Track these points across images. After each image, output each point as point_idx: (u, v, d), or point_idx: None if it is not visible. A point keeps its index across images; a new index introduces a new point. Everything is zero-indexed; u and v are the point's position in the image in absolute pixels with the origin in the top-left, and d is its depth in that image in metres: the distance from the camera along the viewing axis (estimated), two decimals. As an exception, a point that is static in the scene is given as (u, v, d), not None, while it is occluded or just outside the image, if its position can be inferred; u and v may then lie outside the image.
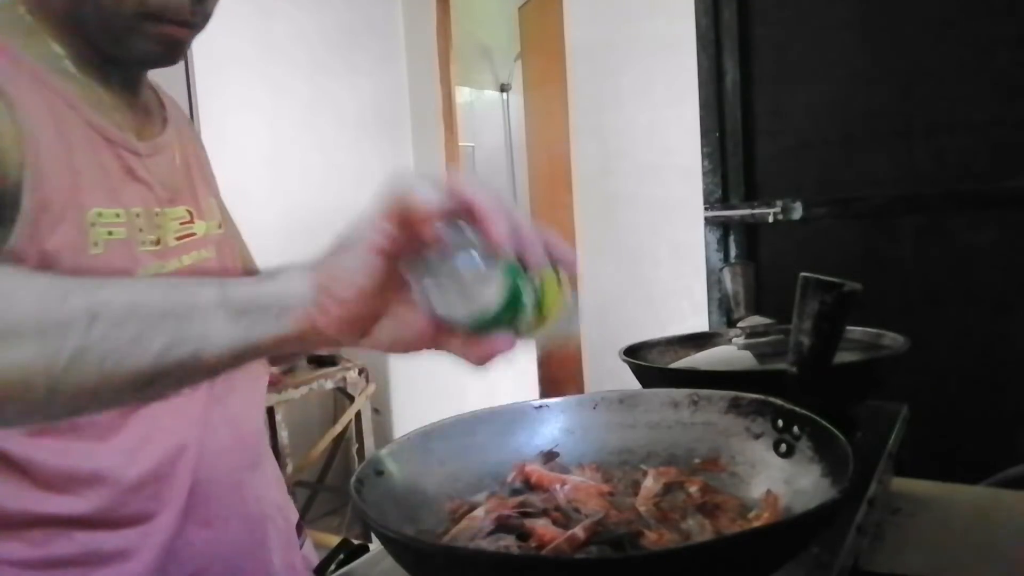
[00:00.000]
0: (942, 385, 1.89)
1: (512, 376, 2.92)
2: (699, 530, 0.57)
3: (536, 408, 0.74)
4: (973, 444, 1.87)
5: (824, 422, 0.60)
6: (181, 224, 0.77)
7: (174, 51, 0.72)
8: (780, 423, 0.65)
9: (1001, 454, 1.35)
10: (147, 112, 0.80)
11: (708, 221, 2.40)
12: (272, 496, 0.84)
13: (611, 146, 2.80)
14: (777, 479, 0.62)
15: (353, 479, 0.57)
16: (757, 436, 0.67)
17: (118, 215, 0.69)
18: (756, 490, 0.63)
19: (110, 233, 0.68)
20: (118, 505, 0.68)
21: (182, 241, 0.77)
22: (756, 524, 0.57)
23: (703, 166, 2.41)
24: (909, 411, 0.98)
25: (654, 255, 2.71)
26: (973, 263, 2.01)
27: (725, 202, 2.36)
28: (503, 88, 4.94)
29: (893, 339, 0.97)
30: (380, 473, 0.61)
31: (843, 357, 0.83)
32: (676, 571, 0.46)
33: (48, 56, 0.70)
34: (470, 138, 4.35)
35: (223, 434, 0.76)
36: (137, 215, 0.72)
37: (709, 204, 2.39)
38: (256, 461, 0.82)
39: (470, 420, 0.71)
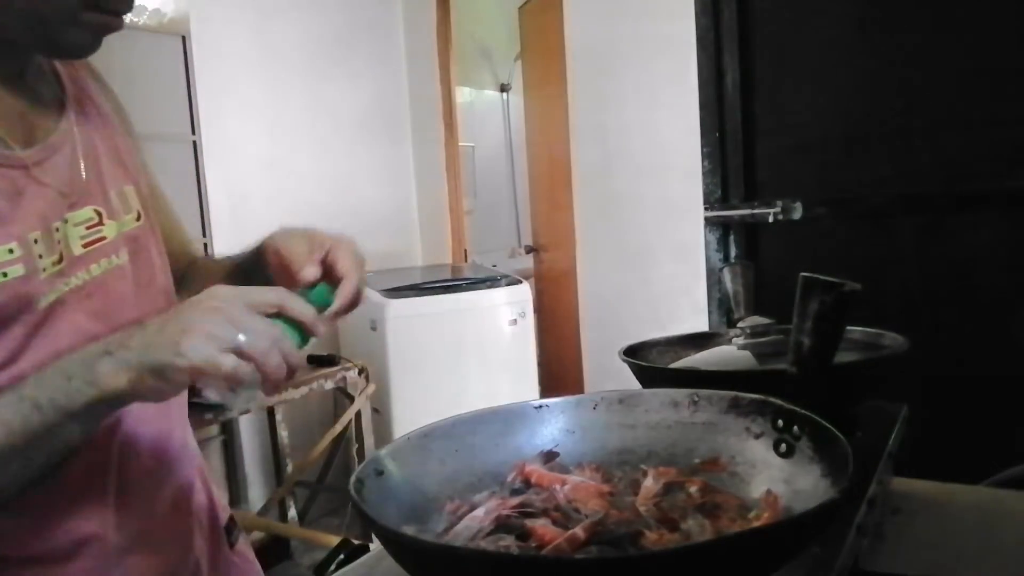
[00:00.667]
0: (942, 385, 1.89)
1: (512, 376, 2.92)
2: (699, 530, 0.57)
3: (536, 408, 0.74)
4: (973, 444, 1.87)
5: (824, 422, 0.60)
6: (88, 228, 0.71)
7: (100, 41, 0.68)
8: (780, 423, 0.65)
9: (1001, 454, 1.35)
10: (37, 102, 0.72)
11: (708, 221, 2.40)
12: (198, 500, 0.84)
13: (611, 146, 2.80)
14: (777, 479, 0.62)
15: (353, 479, 0.57)
16: (757, 436, 0.67)
17: (11, 251, 0.62)
18: (756, 490, 0.63)
19: (4, 275, 0.62)
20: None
21: (89, 248, 0.70)
22: (756, 524, 0.57)
23: (703, 166, 2.40)
24: (909, 411, 0.98)
25: (654, 255, 2.71)
26: (973, 263, 2.01)
27: (725, 202, 2.36)
28: (503, 88, 4.94)
29: (893, 339, 0.97)
30: (380, 473, 0.61)
31: (843, 357, 0.83)
32: (676, 571, 0.46)
33: None
34: (470, 138, 4.35)
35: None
36: (35, 240, 0.65)
37: (709, 204, 2.39)
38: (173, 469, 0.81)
39: (470, 420, 0.71)
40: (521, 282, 2.97)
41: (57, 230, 0.67)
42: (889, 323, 1.00)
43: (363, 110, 3.39)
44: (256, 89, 2.94)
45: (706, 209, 2.39)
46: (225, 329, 0.58)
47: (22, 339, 0.63)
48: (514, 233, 4.90)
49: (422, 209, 3.65)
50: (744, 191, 2.34)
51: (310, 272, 0.75)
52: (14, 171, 0.65)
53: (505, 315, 2.88)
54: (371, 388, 2.60)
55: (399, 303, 2.72)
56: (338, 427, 2.56)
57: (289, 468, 2.75)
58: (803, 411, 0.63)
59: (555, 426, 0.74)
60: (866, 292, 0.67)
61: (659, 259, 2.69)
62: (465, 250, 3.60)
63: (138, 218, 0.78)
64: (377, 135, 3.47)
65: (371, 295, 2.71)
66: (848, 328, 0.91)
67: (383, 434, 2.71)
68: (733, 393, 0.70)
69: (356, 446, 2.63)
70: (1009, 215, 1.96)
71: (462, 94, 4.24)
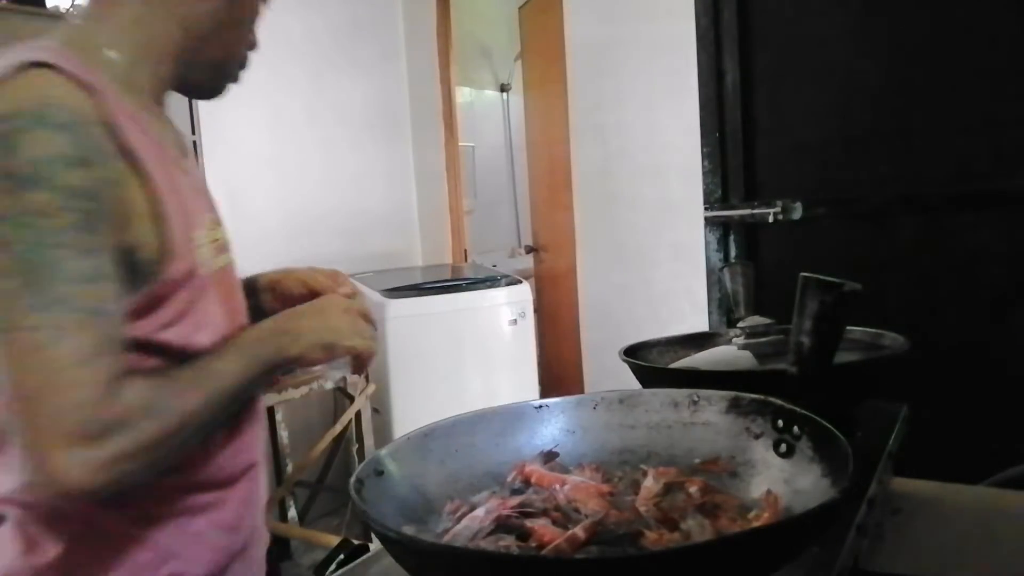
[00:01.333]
0: (942, 385, 1.89)
1: (512, 376, 2.92)
2: (699, 530, 0.57)
3: (536, 408, 0.74)
4: (973, 444, 1.87)
5: (824, 422, 0.60)
6: (211, 230, 0.86)
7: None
8: (780, 423, 0.65)
9: (1001, 454, 1.35)
10: (173, 130, 0.87)
11: (708, 221, 2.40)
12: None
13: (611, 146, 2.80)
14: (777, 479, 0.63)
15: (353, 479, 0.57)
16: (757, 436, 0.67)
17: (207, 232, 0.79)
18: (756, 490, 0.63)
19: (207, 250, 0.78)
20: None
21: (216, 243, 0.84)
22: (756, 524, 0.57)
23: (703, 166, 2.40)
24: (909, 411, 0.98)
25: (654, 255, 2.71)
26: (973, 263, 2.01)
27: (725, 202, 2.36)
28: (503, 88, 4.93)
29: (893, 339, 0.97)
30: (380, 473, 0.62)
31: (843, 357, 0.83)
32: (676, 571, 0.46)
33: (138, 95, 0.76)
34: (470, 138, 4.35)
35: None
36: (209, 228, 0.81)
37: (709, 204, 2.39)
38: None
39: (470, 420, 0.71)
40: (521, 282, 2.97)
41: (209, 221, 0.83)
42: (889, 323, 1.00)
43: (363, 110, 3.39)
44: (256, 89, 2.94)
45: (706, 209, 2.39)
46: (367, 325, 0.79)
47: (186, 303, 0.74)
48: (514, 233, 4.90)
49: (422, 209, 3.64)
50: (744, 191, 2.34)
51: None
52: (190, 177, 0.81)
53: (505, 315, 2.88)
54: (371, 388, 2.59)
55: (399, 303, 2.72)
56: (338, 427, 2.56)
57: (289, 468, 2.75)
58: (803, 411, 0.63)
59: (555, 426, 0.74)
60: (866, 292, 0.67)
61: (659, 259, 2.69)
62: (465, 250, 3.60)
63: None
64: (377, 135, 3.47)
65: (371, 295, 2.71)
66: (848, 328, 0.91)
67: (383, 434, 2.71)
68: (733, 393, 0.70)
69: (356, 446, 2.63)
70: (1009, 215, 1.96)
71: (462, 94, 4.24)
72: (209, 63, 0.81)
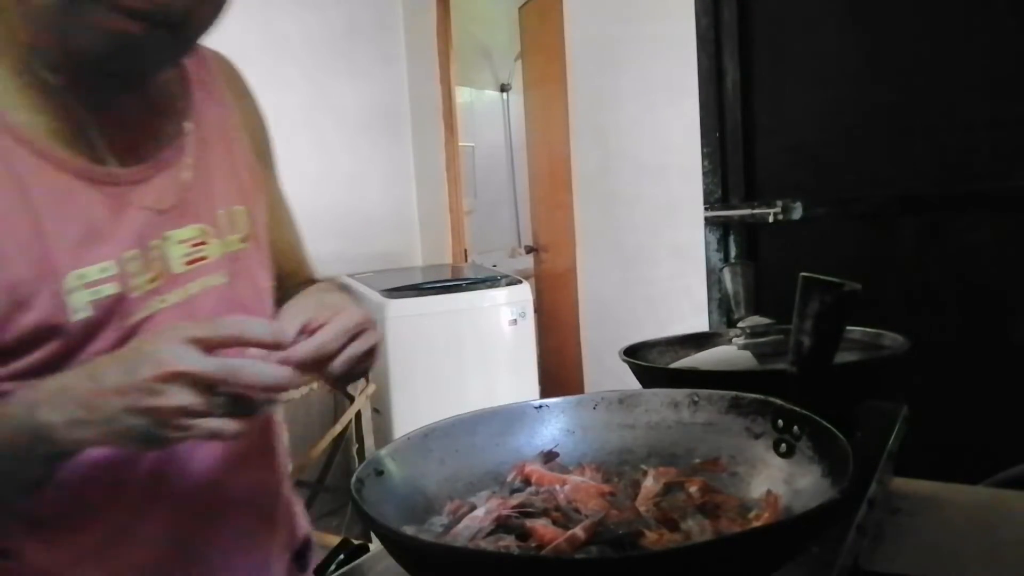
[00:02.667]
0: (942, 385, 1.89)
1: (512, 376, 2.92)
2: (699, 530, 0.57)
3: (536, 408, 0.74)
4: (973, 444, 1.87)
5: (824, 422, 0.60)
6: (192, 246, 0.71)
7: (128, 53, 0.61)
8: (780, 423, 0.65)
9: (1001, 454, 1.35)
10: (151, 117, 0.71)
11: (708, 221, 2.40)
12: None
13: (611, 146, 2.80)
14: (777, 479, 0.62)
15: (353, 479, 0.57)
16: (757, 436, 0.67)
17: (104, 269, 0.64)
18: (756, 490, 0.63)
19: (97, 292, 0.63)
20: None
21: (191, 266, 0.71)
22: (756, 524, 0.57)
23: (703, 166, 2.40)
24: (909, 411, 0.98)
25: (654, 255, 2.71)
26: (973, 263, 2.01)
27: (725, 202, 2.36)
28: (503, 88, 4.93)
29: (893, 339, 0.97)
30: (380, 473, 0.61)
31: (843, 357, 0.83)
32: (676, 571, 0.46)
33: (29, 83, 0.63)
34: (470, 138, 4.35)
35: None
36: (131, 258, 0.66)
37: (709, 204, 2.39)
38: None
39: (470, 420, 0.71)
40: (521, 282, 2.97)
41: (155, 248, 0.68)
42: (889, 323, 1.00)
43: (363, 110, 3.38)
44: (256, 89, 2.94)
45: (706, 209, 2.39)
46: (194, 396, 0.54)
47: (110, 349, 0.63)
48: (514, 233, 4.90)
49: (422, 209, 3.64)
50: (744, 191, 2.34)
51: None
52: (115, 188, 0.66)
53: (505, 315, 2.88)
54: (371, 388, 2.59)
55: (399, 303, 2.72)
56: (338, 427, 2.56)
57: (289, 468, 2.75)
58: (803, 411, 0.63)
59: (555, 426, 0.74)
60: (866, 292, 0.67)
61: (659, 259, 2.69)
62: (465, 250, 3.60)
63: (244, 239, 0.77)
64: (377, 135, 3.47)
65: (371, 295, 2.71)
66: (848, 328, 0.91)
67: (383, 434, 2.71)
68: (733, 393, 0.70)
69: (356, 446, 2.63)
70: (1009, 215, 1.96)
71: (462, 94, 4.24)
72: (34, 22, 0.61)
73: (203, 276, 0.72)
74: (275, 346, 0.60)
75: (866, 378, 0.90)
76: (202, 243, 0.72)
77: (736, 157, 2.34)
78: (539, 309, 3.33)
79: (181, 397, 0.54)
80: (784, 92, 2.26)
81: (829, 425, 0.60)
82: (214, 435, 0.56)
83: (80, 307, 0.62)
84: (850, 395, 0.89)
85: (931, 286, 2.07)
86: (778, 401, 0.66)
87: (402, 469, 0.64)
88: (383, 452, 0.64)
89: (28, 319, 0.60)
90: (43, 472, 0.59)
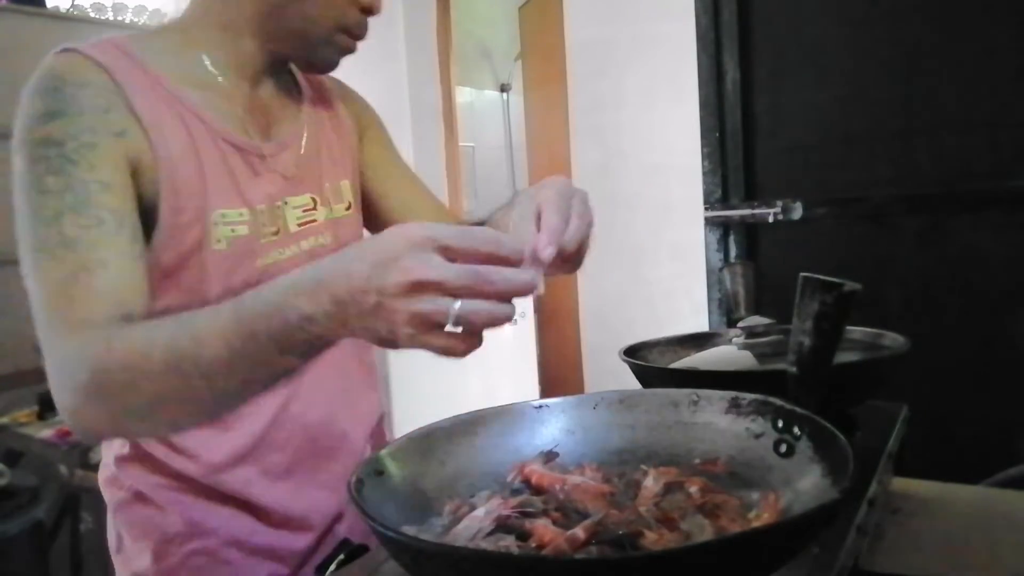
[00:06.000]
0: (942, 385, 1.89)
1: (512, 376, 2.92)
2: (699, 530, 0.57)
3: (536, 408, 0.74)
4: (973, 444, 1.87)
5: (824, 422, 0.60)
6: (304, 211, 0.87)
7: (340, 60, 0.86)
8: (780, 423, 0.65)
9: (1001, 454, 1.35)
10: (280, 106, 0.88)
11: (708, 221, 2.40)
12: None
13: (611, 146, 2.80)
14: (777, 479, 0.62)
15: (353, 479, 0.57)
16: (757, 436, 0.67)
17: (241, 214, 0.80)
18: (756, 490, 0.63)
19: (233, 231, 0.79)
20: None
21: (303, 227, 0.86)
22: (756, 524, 0.57)
23: (703, 166, 2.41)
24: (909, 411, 0.98)
25: (654, 255, 2.71)
26: (973, 263, 2.01)
27: (725, 202, 2.37)
28: (503, 88, 4.93)
29: (893, 339, 0.97)
30: (380, 473, 0.61)
31: (843, 357, 0.83)
32: (676, 571, 0.46)
33: (195, 68, 0.81)
34: (470, 138, 4.35)
35: None
36: (261, 211, 0.82)
37: (709, 204, 2.39)
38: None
39: (470, 420, 0.71)
40: (521, 282, 2.96)
41: (279, 208, 0.84)
42: (889, 323, 1.00)
43: (363, 110, 3.39)
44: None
45: (706, 209, 2.39)
46: (434, 303, 0.52)
47: (241, 289, 0.66)
48: (514, 233, 4.89)
49: (422, 209, 3.64)
50: (744, 191, 2.34)
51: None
52: (254, 157, 0.83)
53: (505, 315, 2.88)
54: (371, 388, 2.59)
55: (399, 303, 2.71)
56: (338, 427, 2.56)
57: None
58: (803, 411, 0.63)
59: (555, 426, 0.73)
60: (866, 292, 0.67)
61: (659, 259, 2.69)
62: (465, 250, 3.60)
63: (348, 208, 0.93)
64: (377, 135, 3.47)
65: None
66: (848, 328, 0.91)
67: (383, 434, 2.70)
68: (733, 393, 0.70)
69: (356, 446, 2.62)
70: (1009, 215, 1.96)
71: (462, 94, 4.24)
72: (289, 33, 0.82)
73: (312, 236, 0.87)
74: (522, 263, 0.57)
75: (866, 378, 0.90)
76: (312, 208, 0.88)
77: (736, 157, 2.34)
78: (539, 309, 3.33)
79: (423, 305, 0.53)
80: (784, 92, 2.26)
81: (829, 425, 0.59)
82: (447, 351, 0.57)
83: (220, 239, 0.79)
84: (850, 395, 0.89)
85: (931, 286, 2.07)
86: (778, 401, 0.66)
87: (402, 469, 0.64)
88: (383, 452, 0.64)
89: (185, 242, 0.76)
90: (297, 361, 0.60)
